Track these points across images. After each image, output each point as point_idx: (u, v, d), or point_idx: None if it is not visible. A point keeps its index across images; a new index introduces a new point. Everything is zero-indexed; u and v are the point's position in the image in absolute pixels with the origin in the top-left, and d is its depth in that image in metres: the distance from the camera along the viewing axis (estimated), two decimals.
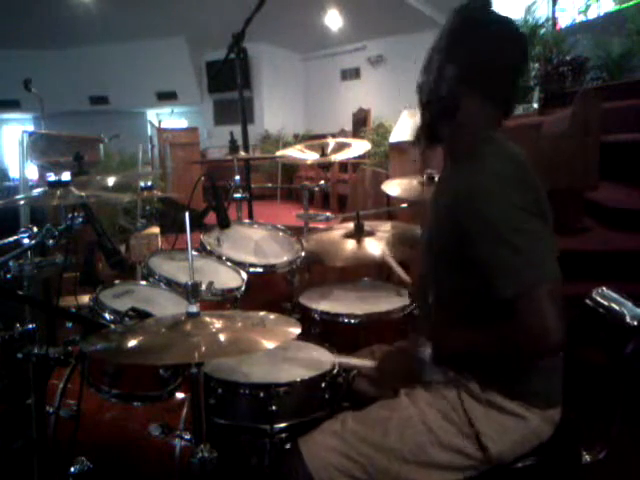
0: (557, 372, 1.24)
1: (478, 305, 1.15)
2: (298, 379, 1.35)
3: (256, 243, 2.20)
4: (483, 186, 1.11)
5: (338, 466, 1.17)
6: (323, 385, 1.37)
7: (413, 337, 1.30)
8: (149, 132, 8.21)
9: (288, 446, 1.29)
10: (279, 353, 1.52)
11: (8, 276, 1.34)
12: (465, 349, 1.18)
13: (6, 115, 11.60)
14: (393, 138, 4.21)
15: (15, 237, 1.40)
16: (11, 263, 1.34)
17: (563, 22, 6.59)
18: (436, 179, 2.17)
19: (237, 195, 2.43)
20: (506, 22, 1.22)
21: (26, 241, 1.38)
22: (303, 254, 2.10)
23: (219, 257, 1.99)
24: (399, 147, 3.94)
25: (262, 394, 1.32)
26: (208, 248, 2.02)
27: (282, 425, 1.32)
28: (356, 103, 8.55)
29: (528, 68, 4.83)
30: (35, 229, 1.40)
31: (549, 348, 1.08)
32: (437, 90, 1.21)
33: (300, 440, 1.22)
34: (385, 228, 2.19)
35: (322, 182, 2.74)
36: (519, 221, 1.08)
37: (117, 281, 1.73)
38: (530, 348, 1.08)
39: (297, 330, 1.15)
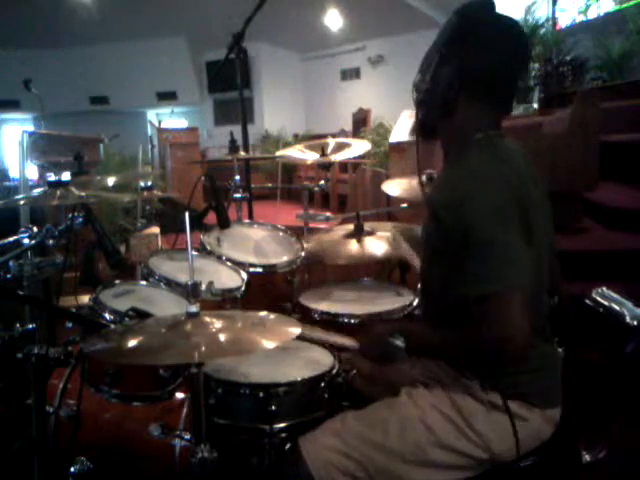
0: (556, 371, 1.25)
1: (457, 304, 1.16)
2: (298, 379, 1.35)
3: (256, 243, 2.20)
4: (464, 187, 1.12)
5: (338, 465, 1.17)
6: (322, 385, 1.37)
7: (388, 326, 1.31)
8: (149, 132, 8.20)
9: (288, 446, 1.29)
10: (279, 353, 1.52)
11: (8, 276, 1.34)
12: (436, 347, 1.20)
13: (6, 115, 11.60)
14: (393, 138, 4.22)
15: (15, 237, 1.40)
16: (11, 263, 1.34)
17: (563, 22, 6.58)
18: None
19: (237, 195, 2.43)
20: (508, 22, 1.21)
21: (26, 241, 1.38)
22: (303, 254, 2.10)
23: (219, 257, 1.99)
24: (399, 147, 3.95)
25: (262, 394, 1.32)
26: (208, 248, 2.02)
27: (282, 425, 1.31)
28: (356, 103, 8.55)
29: (528, 68, 4.83)
30: (35, 229, 1.40)
31: (512, 351, 1.08)
32: (434, 90, 1.21)
33: (300, 439, 1.22)
34: (385, 228, 2.19)
35: (322, 182, 2.74)
36: (495, 226, 1.08)
37: (117, 281, 1.73)
38: (493, 350, 1.09)
39: (297, 330, 1.15)
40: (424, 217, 1.33)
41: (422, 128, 1.31)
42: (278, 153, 3.81)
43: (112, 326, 1.34)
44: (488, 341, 1.08)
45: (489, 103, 1.21)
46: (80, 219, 1.46)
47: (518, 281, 1.07)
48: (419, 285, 1.87)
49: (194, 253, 1.89)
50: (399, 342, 1.21)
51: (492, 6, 1.20)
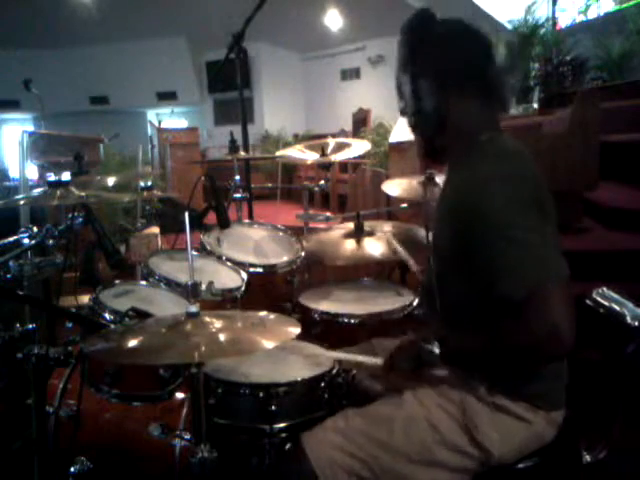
0: (562, 374, 1.24)
1: (485, 307, 1.14)
2: (298, 379, 1.35)
3: (256, 243, 2.20)
4: (480, 184, 1.12)
5: (342, 464, 1.16)
6: (322, 385, 1.37)
7: (418, 332, 1.29)
8: (149, 132, 8.19)
9: (290, 445, 1.28)
10: (279, 353, 1.51)
11: (8, 276, 1.34)
12: (474, 353, 1.17)
13: (6, 115, 11.59)
14: (393, 138, 4.22)
15: (15, 237, 1.40)
16: (11, 263, 1.34)
17: (563, 22, 6.60)
18: (436, 179, 2.18)
19: (237, 195, 2.43)
20: (455, 21, 1.23)
21: (26, 241, 1.38)
22: (303, 254, 2.10)
23: (219, 257, 1.99)
24: (399, 147, 3.94)
25: (262, 394, 1.32)
26: (208, 248, 2.02)
27: (282, 425, 1.31)
28: (356, 103, 8.54)
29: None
30: (35, 229, 1.40)
31: (560, 350, 1.04)
32: (422, 108, 1.22)
33: (303, 437, 1.22)
34: (385, 228, 2.19)
35: (322, 182, 2.74)
36: (518, 218, 1.07)
37: (117, 281, 1.73)
38: (540, 350, 1.06)
39: (297, 330, 1.15)
40: (433, 221, 1.33)
41: (429, 151, 1.30)
42: (278, 153, 3.81)
43: (112, 326, 1.34)
44: (536, 341, 1.04)
45: (479, 101, 1.21)
46: (80, 219, 1.47)
47: (556, 275, 1.04)
48: (420, 287, 1.87)
49: (194, 253, 1.89)
50: (433, 348, 1.20)
51: (433, 14, 1.23)
